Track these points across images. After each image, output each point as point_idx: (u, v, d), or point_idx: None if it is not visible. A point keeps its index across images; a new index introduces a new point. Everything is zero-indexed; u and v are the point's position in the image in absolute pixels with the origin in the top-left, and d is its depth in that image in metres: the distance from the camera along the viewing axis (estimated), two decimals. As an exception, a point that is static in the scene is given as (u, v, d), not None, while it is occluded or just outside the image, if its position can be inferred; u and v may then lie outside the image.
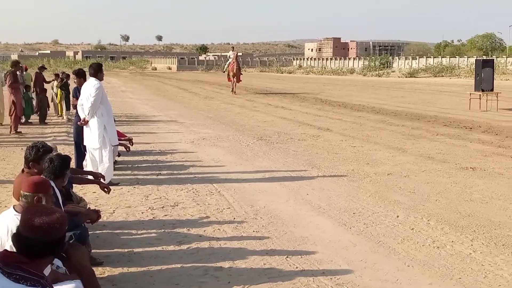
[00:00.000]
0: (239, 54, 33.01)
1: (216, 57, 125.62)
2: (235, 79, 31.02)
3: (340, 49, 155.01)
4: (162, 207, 7.25)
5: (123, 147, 9.78)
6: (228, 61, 32.88)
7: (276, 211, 7.06)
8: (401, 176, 9.11)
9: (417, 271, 5.05)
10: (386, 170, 9.54)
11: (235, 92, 30.68)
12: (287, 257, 5.42)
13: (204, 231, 6.24)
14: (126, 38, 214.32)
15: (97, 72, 8.69)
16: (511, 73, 52.64)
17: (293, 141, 12.91)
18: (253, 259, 5.38)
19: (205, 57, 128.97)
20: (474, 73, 22.41)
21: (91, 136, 8.57)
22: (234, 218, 6.76)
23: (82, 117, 8.65)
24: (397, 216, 6.78)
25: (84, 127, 8.67)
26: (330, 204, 7.40)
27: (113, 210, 7.10)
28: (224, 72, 33.21)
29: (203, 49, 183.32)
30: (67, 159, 5.15)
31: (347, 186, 8.41)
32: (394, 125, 15.87)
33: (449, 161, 10.29)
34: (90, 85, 8.55)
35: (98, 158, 8.54)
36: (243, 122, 16.85)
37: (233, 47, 32.92)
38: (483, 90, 20.36)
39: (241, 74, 32.52)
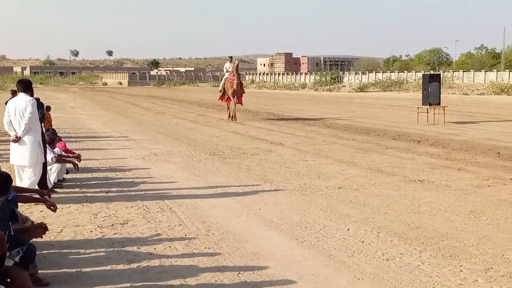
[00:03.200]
0: (239, 64, 23.77)
1: (168, 72, 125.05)
2: (235, 99, 22.69)
3: (292, 64, 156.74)
4: (112, 225, 7.10)
5: (71, 165, 9.57)
6: (225, 76, 23.83)
7: (228, 227, 7.02)
8: (352, 189, 9.22)
9: (367, 284, 5.10)
10: (337, 184, 9.64)
11: (234, 117, 22.77)
12: (239, 273, 5.38)
13: (155, 249, 6.14)
14: (76, 53, 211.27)
15: (29, 87, 8.54)
16: (457, 87, 54.36)
17: (245, 156, 12.92)
18: (205, 276, 5.32)
19: (156, 72, 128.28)
20: (421, 87, 22.99)
21: (23, 153, 8.38)
22: (186, 235, 6.68)
23: (11, 134, 8.45)
24: (348, 229, 6.85)
25: (12, 143, 8.47)
26: (282, 218, 7.41)
27: (61, 229, 6.91)
28: (220, 91, 23.83)
29: (155, 64, 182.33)
30: (7, 177, 5.01)
31: (299, 200, 8.45)
32: (344, 139, 16.09)
33: (398, 174, 10.48)
34: (23, 101, 8.34)
35: (25, 175, 8.38)
36: (196, 137, 16.77)
37: (231, 57, 23.72)
38: (430, 104, 20.92)
39: (243, 92, 23.72)
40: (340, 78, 75.29)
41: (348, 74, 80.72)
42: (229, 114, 23.13)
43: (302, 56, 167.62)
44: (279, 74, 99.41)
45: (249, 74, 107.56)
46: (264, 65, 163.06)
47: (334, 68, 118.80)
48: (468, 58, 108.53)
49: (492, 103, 35.41)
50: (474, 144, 14.73)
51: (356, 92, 57.72)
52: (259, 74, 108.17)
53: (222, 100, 24.23)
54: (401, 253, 5.92)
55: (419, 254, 5.88)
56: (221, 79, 25.57)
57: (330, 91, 62.60)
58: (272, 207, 8.05)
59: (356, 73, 78.89)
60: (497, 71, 62.59)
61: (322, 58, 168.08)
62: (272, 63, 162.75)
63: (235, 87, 22.26)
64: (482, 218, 7.30)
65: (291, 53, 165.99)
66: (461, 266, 5.51)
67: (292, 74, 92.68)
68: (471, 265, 5.53)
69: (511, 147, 13.96)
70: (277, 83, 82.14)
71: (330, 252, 6.01)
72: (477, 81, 59.86)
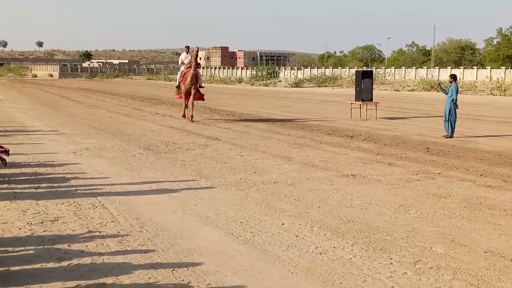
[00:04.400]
0: (199, 54, 20.92)
1: (101, 64, 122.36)
2: (192, 94, 19.08)
3: (228, 58, 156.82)
4: (41, 222, 6.87)
5: (-2, 159, 9.18)
6: (181, 69, 20.31)
7: (163, 223, 6.93)
8: (287, 184, 9.31)
9: (301, 277, 5.17)
10: (272, 179, 9.71)
11: (192, 117, 19.43)
12: (173, 269, 5.32)
13: (86, 246, 5.99)
14: (4, 44, 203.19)
15: None
16: (389, 84, 55.91)
17: (181, 151, 12.81)
18: (138, 273, 5.23)
19: (89, 64, 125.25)
20: (355, 83, 23.48)
21: None
22: (119, 232, 6.55)
23: None
24: (283, 224, 6.91)
25: None
26: (218, 214, 7.39)
27: (-14, 227, 6.62)
28: (177, 87, 20.65)
29: (87, 55, 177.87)
30: None
31: (235, 196, 8.46)
32: (280, 134, 16.23)
33: (332, 169, 10.67)
34: None
35: None
36: (129, 132, 16.47)
37: (187, 47, 20.06)
38: (363, 100, 21.43)
39: (202, 86, 19.88)
40: (276, 73, 75.91)
41: (284, 69, 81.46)
42: (185, 113, 20.17)
43: (238, 50, 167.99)
44: (215, 68, 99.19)
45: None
46: (200, 59, 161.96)
47: (270, 63, 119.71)
48: (399, 55, 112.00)
49: (422, 99, 36.64)
50: (405, 139, 15.20)
51: (292, 87, 58.38)
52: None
53: (181, 98, 20.54)
54: (334, 247, 6.03)
55: (351, 248, 6.01)
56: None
57: (267, 86, 63.05)
58: (207, 202, 8.02)
59: (292, 69, 79.70)
60: (427, 68, 64.74)
61: (258, 53, 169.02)
62: (209, 57, 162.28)
63: (188, 80, 18.80)
64: (412, 212, 7.54)
65: (228, 47, 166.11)
66: (391, 259, 5.67)
67: (228, 68, 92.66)
68: (400, 257, 5.70)
69: (439, 143, 14.49)
70: (213, 77, 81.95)
71: (265, 246, 6.04)
72: (408, 78, 61.72)
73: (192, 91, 18.97)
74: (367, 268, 5.40)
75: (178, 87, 20.27)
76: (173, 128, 17.75)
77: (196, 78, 18.88)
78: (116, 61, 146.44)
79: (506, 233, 6.57)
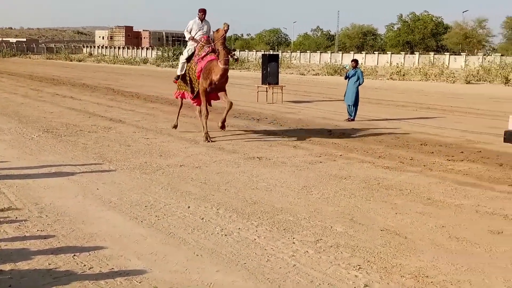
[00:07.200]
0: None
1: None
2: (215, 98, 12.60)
3: (133, 38, 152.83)
4: None
5: None
6: (189, 46, 12.60)
7: (63, 208, 6.71)
8: (194, 167, 9.28)
9: (206, 259, 5.19)
10: (178, 162, 9.64)
11: (207, 137, 11.92)
12: (74, 255, 5.18)
13: (-20, 234, 5.69)
14: None
15: None
16: (295, 67, 56.97)
17: (83, 133, 12.41)
18: (37, 259, 5.05)
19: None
20: (261, 67, 23.68)
21: None
22: (16, 217, 6.27)
23: None
24: (188, 207, 6.90)
25: None
26: (122, 198, 7.26)
27: None
28: (178, 78, 12.87)
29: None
30: None
31: (139, 179, 8.33)
32: (187, 117, 16.08)
33: (238, 152, 10.76)
34: None
35: None
36: (27, 113, 15.73)
37: (203, 12, 12.36)
38: (269, 84, 21.67)
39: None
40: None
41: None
42: (204, 118, 12.23)
43: (143, 30, 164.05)
44: (119, 48, 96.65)
45: (87, 47, 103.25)
46: (103, 38, 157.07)
47: (176, 44, 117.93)
48: (305, 39, 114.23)
49: (326, 83, 37.62)
50: (309, 122, 15.58)
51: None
52: (98, 47, 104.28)
53: (183, 97, 13.11)
54: (239, 228, 6.11)
55: (255, 229, 6.11)
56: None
57: (173, 67, 62.15)
58: (110, 186, 7.84)
59: (198, 50, 79.08)
60: (331, 53, 66.64)
61: (164, 33, 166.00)
62: (112, 37, 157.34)
63: (217, 77, 11.68)
64: (314, 193, 7.77)
65: (132, 27, 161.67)
66: (293, 238, 5.82)
67: (133, 48, 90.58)
68: (302, 237, 5.87)
69: (341, 126, 14.98)
70: (117, 57, 79.87)
71: (170, 230, 6.01)
72: (313, 62, 63.32)
73: (220, 95, 12.21)
74: (271, 248, 5.52)
75: (180, 78, 12.81)
76: (74, 110, 17.15)
77: (227, 75, 11.99)
78: (13, 39, 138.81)
79: (402, 212, 6.93)
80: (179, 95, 13.12)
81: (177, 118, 13.31)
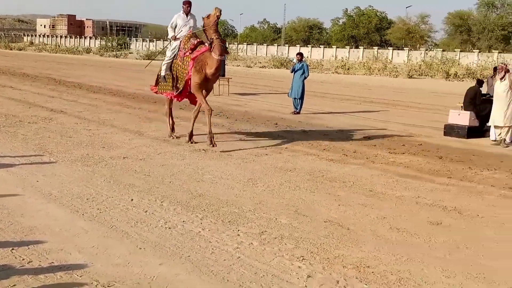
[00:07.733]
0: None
1: None
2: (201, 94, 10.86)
3: (76, 27, 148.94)
4: None
5: None
6: (172, 44, 11.15)
7: (1, 201, 6.48)
8: (137, 159, 9.14)
9: (149, 252, 5.13)
10: (122, 154, 9.48)
11: (191, 138, 11.01)
12: (12, 249, 5.01)
13: None
14: None
15: None
16: (241, 60, 56.94)
17: (22, 124, 12.03)
18: (-28, 256, 4.85)
19: None
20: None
21: None
22: (-51, 212, 6.02)
23: None
24: (132, 200, 6.79)
25: None
26: (62, 190, 7.07)
27: None
28: (160, 75, 11.30)
29: None
30: None
31: (81, 171, 8.14)
32: (131, 108, 15.87)
33: (184, 144, 10.67)
34: None
35: None
36: (-36, 103, 15.12)
37: (188, 3, 11.00)
38: (215, 75, 21.52)
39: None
40: (127, 45, 73.94)
41: (135, 40, 79.57)
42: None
43: (86, 19, 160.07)
44: (61, 36, 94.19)
45: (28, 35, 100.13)
46: (44, 27, 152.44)
47: (121, 33, 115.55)
48: (251, 31, 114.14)
49: (272, 76, 37.82)
50: (255, 115, 15.61)
51: (144, 59, 57.13)
52: (39, 35, 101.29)
53: (163, 94, 11.75)
54: (183, 221, 6.06)
55: (200, 221, 6.07)
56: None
57: (117, 57, 61.13)
58: (51, 179, 7.63)
59: (144, 40, 78.08)
60: (277, 46, 66.92)
61: (108, 23, 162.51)
62: (54, 25, 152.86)
63: (212, 70, 10.46)
64: (259, 185, 7.79)
65: (75, 16, 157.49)
66: (238, 230, 5.82)
67: (75, 37, 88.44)
68: (247, 229, 5.88)
69: (287, 118, 15.08)
70: (59, 46, 77.94)
71: (113, 223, 5.90)
72: (259, 55, 63.46)
73: (210, 84, 11.05)
74: (215, 240, 5.50)
75: (160, 78, 11.41)
76: (14, 100, 16.60)
77: (218, 66, 10.60)
78: None
79: (345, 203, 7.04)
80: (167, 93, 11.47)
81: (170, 123, 11.69)
